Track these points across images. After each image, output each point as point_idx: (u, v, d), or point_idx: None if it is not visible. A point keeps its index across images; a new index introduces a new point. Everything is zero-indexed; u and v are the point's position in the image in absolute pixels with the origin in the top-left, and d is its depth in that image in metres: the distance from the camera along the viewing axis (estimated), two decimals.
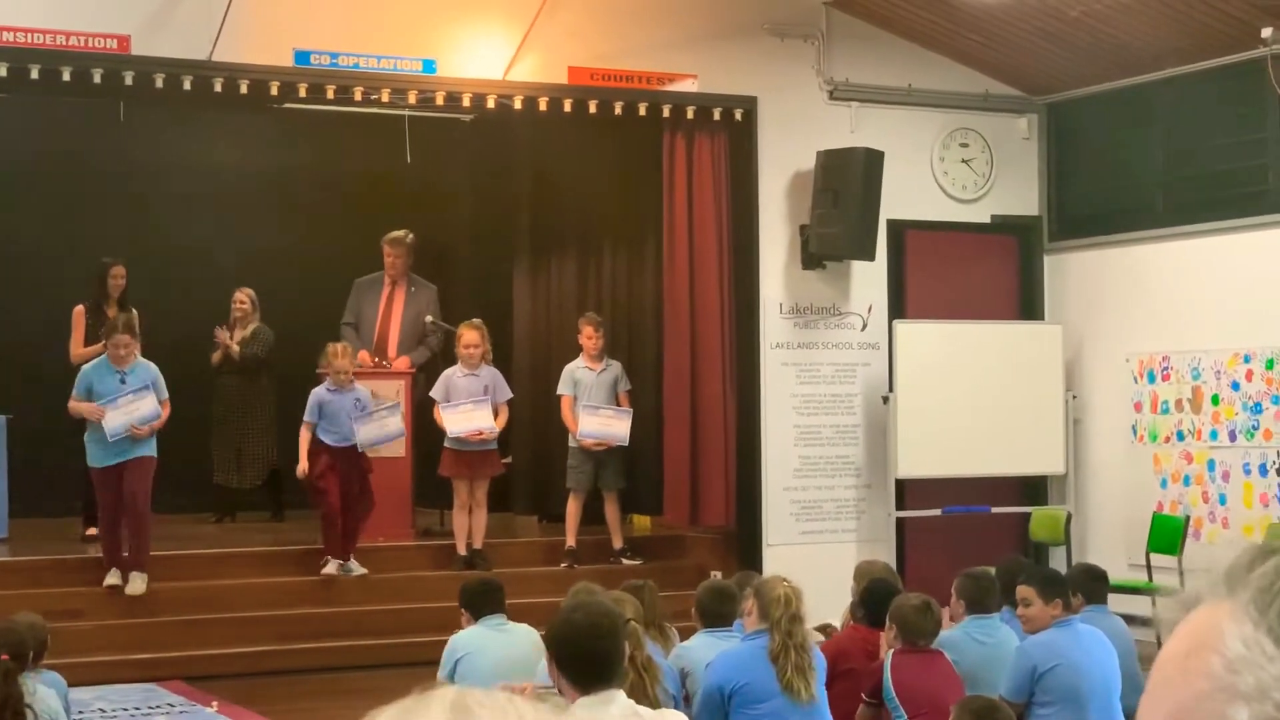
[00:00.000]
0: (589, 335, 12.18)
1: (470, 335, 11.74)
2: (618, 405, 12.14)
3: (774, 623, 6.50)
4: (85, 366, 10.75)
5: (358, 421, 11.09)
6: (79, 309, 12.11)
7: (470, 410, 11.51)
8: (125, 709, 9.21)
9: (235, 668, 10.08)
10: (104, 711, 9.07)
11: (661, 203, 12.70)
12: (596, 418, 11.93)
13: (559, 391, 12.28)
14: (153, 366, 10.79)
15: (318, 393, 11.18)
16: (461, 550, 11.68)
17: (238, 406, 13.25)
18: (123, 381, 10.57)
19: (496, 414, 11.76)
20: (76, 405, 10.62)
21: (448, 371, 11.82)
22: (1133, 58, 12.35)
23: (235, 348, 13.12)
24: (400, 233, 12.49)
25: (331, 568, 11.15)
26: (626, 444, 11.95)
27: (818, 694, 6.54)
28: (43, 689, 6.43)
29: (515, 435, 14.58)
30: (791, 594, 6.57)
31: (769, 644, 6.49)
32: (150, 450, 10.63)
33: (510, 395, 12.00)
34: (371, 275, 12.44)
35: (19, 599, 9.77)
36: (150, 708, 9.28)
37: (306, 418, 11.15)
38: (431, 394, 11.74)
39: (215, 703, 9.24)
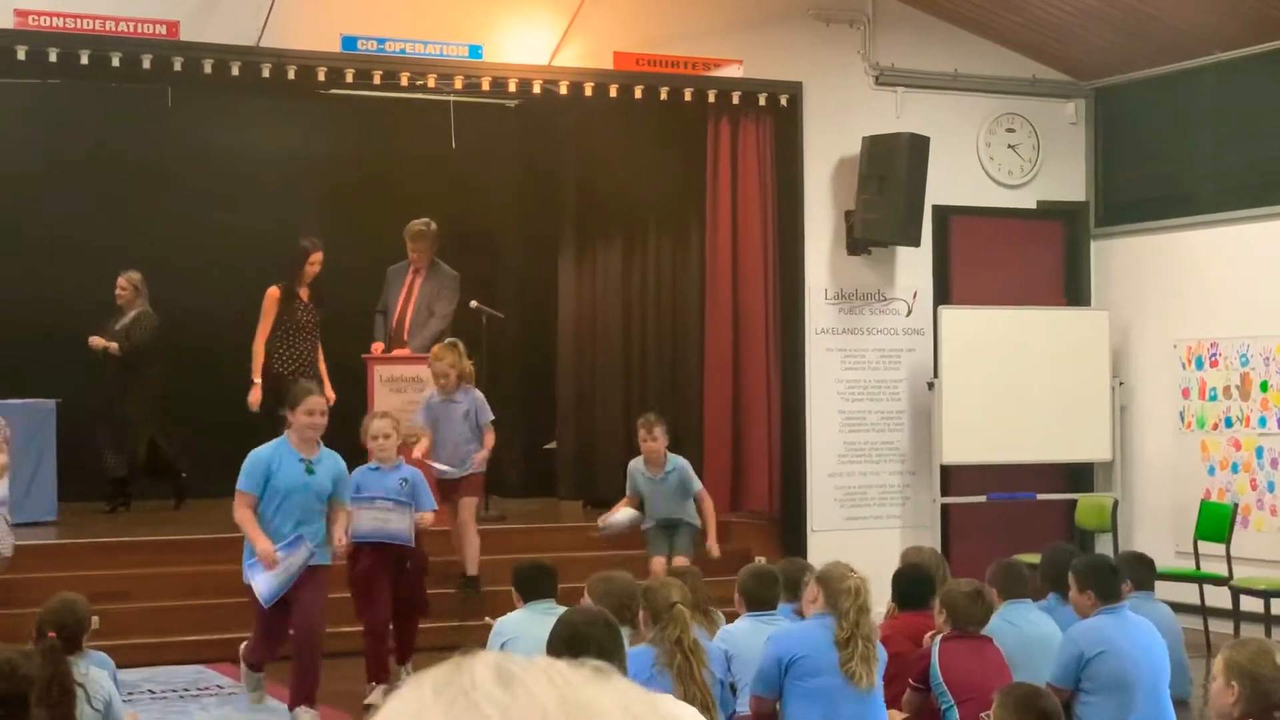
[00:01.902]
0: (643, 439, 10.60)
1: (438, 364, 10.49)
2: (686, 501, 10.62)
3: (842, 613, 6.54)
4: (261, 450, 8.57)
5: (355, 504, 8.98)
6: (272, 291, 11.55)
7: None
8: (174, 690, 9.28)
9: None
10: (152, 693, 9.14)
11: (706, 189, 12.71)
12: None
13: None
14: (339, 460, 8.76)
15: (357, 474, 9.10)
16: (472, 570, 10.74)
17: (118, 398, 12.58)
18: (310, 472, 8.49)
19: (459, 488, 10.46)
20: (250, 526, 8.42)
21: (427, 396, 10.72)
22: (1181, 42, 12.27)
23: (113, 346, 12.39)
24: (421, 224, 12.23)
25: (376, 695, 9.00)
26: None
27: (877, 683, 6.58)
28: (95, 670, 6.48)
29: (560, 420, 14.62)
30: (861, 585, 6.62)
31: (836, 632, 6.52)
32: (325, 558, 8.59)
33: (492, 417, 10.59)
34: (401, 263, 12.40)
35: (67, 581, 9.85)
36: (199, 689, 9.35)
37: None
38: (416, 420, 10.61)
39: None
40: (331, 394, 10.61)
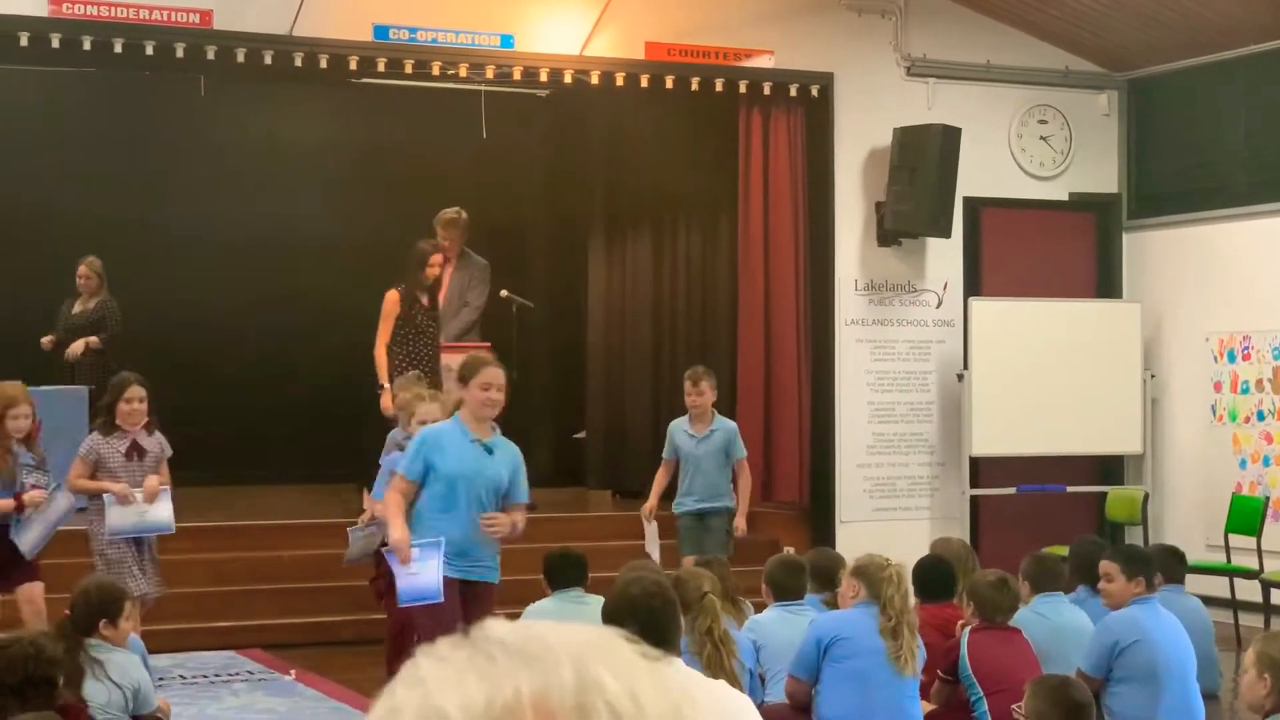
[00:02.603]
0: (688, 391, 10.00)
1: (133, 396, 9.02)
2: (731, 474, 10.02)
3: (886, 600, 6.56)
4: (430, 428, 7.56)
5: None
6: (391, 294, 10.95)
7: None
8: (204, 676, 9.33)
9: (313, 636, 10.19)
10: (183, 679, 9.19)
11: (737, 179, 12.70)
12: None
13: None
14: (516, 451, 7.53)
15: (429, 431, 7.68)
16: None
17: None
18: (489, 451, 7.31)
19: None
20: (394, 510, 7.31)
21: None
22: (1215, 33, 12.21)
23: (93, 341, 11.96)
24: (452, 213, 12.21)
25: None
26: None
27: (917, 670, 6.61)
28: (122, 655, 6.51)
29: (589, 410, 14.65)
30: (901, 573, 6.66)
31: (882, 621, 6.55)
32: (494, 575, 7.47)
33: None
34: None
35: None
36: (229, 675, 9.40)
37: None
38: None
39: (293, 671, 9.34)
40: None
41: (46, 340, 12.00)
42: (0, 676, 4.84)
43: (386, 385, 10.53)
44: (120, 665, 6.35)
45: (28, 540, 8.54)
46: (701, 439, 9.89)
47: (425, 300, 11.05)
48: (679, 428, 10.02)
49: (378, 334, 10.95)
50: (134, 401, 8.91)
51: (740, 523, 9.93)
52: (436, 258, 11.21)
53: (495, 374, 7.32)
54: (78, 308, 12.16)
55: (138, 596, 8.28)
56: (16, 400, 8.64)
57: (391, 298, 10.95)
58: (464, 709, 1.02)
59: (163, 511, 8.87)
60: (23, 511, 8.52)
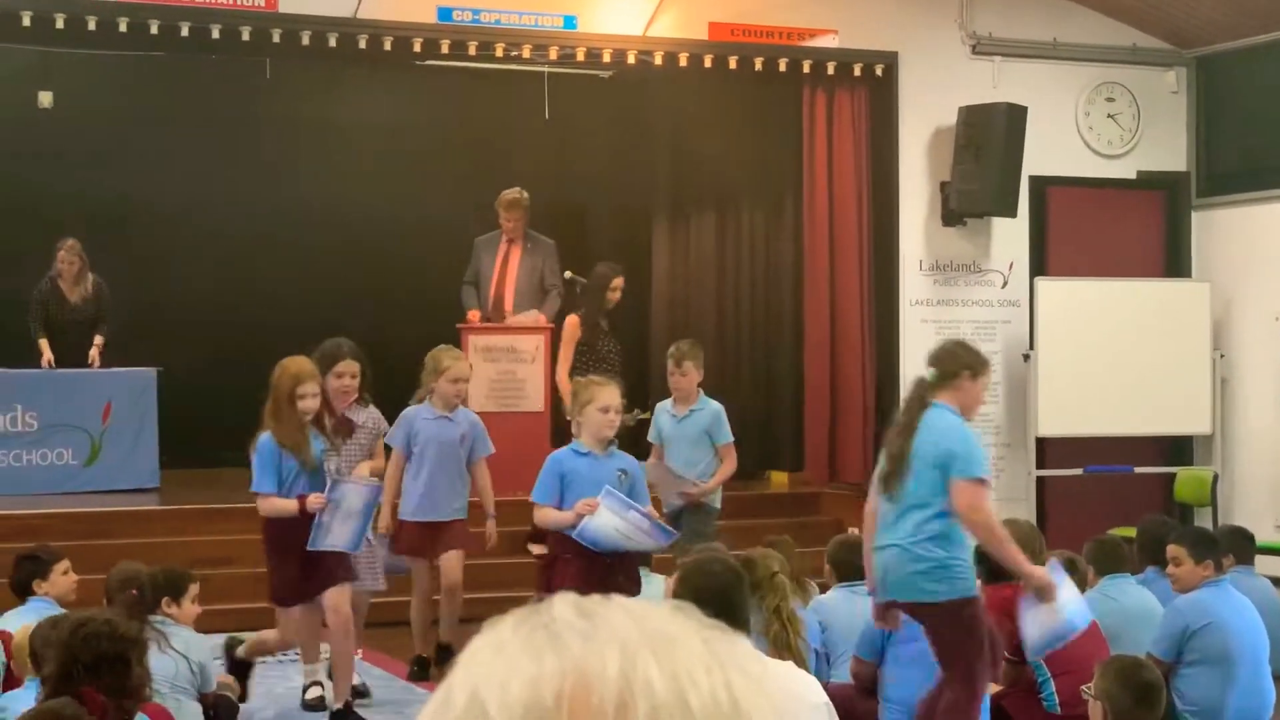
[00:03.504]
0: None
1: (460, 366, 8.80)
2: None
3: None
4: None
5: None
6: (572, 319, 10.68)
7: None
8: (272, 655, 9.38)
9: (380, 616, 10.23)
10: None
11: (801, 159, 12.67)
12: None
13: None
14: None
15: (557, 457, 7.69)
16: (420, 649, 8.84)
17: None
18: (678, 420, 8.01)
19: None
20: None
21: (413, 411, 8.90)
22: None
23: (99, 343, 11.84)
24: (514, 193, 12.05)
25: None
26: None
27: None
28: (187, 633, 6.58)
29: (652, 392, 14.64)
30: None
31: None
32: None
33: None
34: (491, 233, 12.34)
35: (171, 547, 10.04)
36: (296, 653, 9.44)
37: (535, 497, 7.59)
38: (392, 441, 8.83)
39: (360, 650, 9.38)
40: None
41: (47, 359, 11.78)
42: (75, 654, 4.90)
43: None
44: (185, 640, 6.43)
45: (338, 540, 7.41)
46: (681, 419, 9.04)
47: (606, 324, 10.74)
48: (663, 408, 9.23)
49: (559, 361, 10.67)
50: (345, 377, 8.11)
51: (701, 487, 8.84)
52: (618, 280, 10.84)
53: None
54: (73, 297, 12.02)
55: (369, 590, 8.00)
56: (303, 376, 7.48)
57: (572, 322, 10.69)
58: (503, 708, 1.03)
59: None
60: (311, 515, 7.34)
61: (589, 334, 10.63)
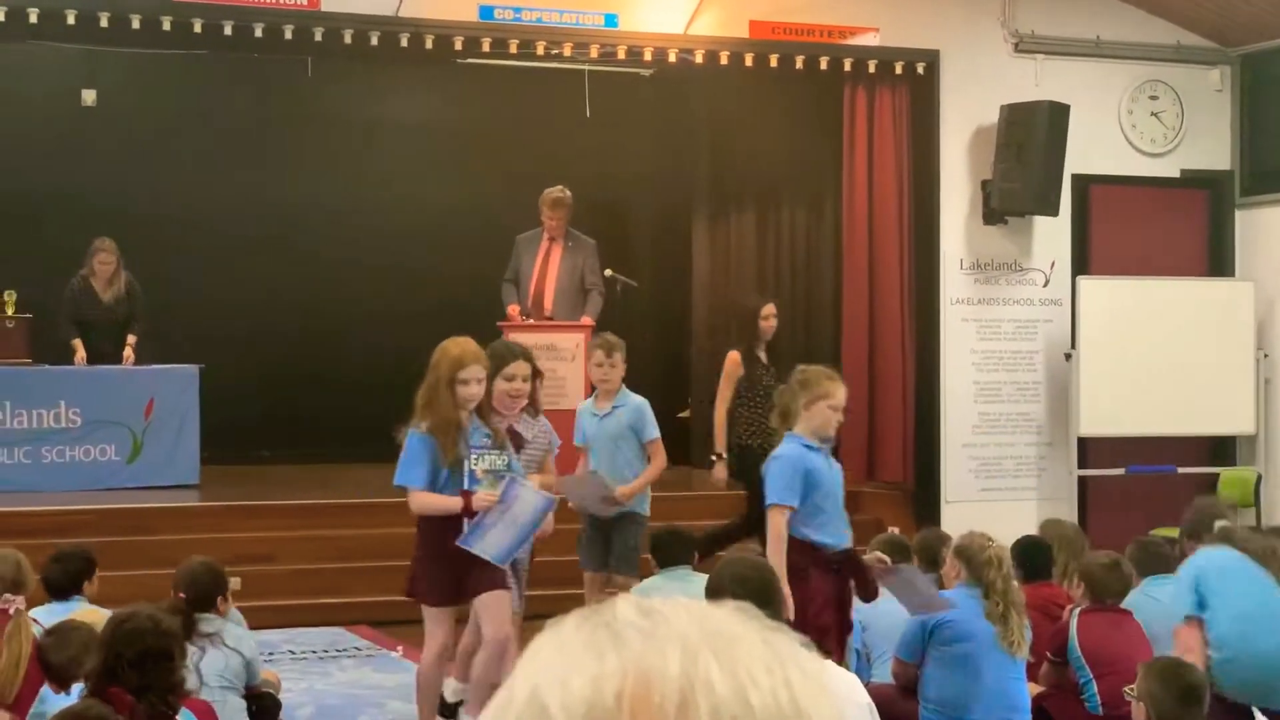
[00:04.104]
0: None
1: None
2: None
3: (989, 584, 6.52)
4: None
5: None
6: (732, 356, 10.32)
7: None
8: (313, 652, 9.42)
9: (420, 614, 10.25)
10: (293, 654, 9.29)
11: (841, 158, 12.65)
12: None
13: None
14: None
15: (795, 453, 6.82)
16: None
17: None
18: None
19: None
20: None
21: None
22: None
23: (132, 342, 11.85)
24: (558, 191, 12.01)
25: None
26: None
27: (1028, 653, 6.58)
28: (237, 629, 6.61)
29: (693, 389, 14.65)
30: (1002, 554, 6.60)
31: (988, 606, 6.50)
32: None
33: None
34: (531, 231, 12.35)
35: (211, 543, 10.06)
36: (337, 650, 9.49)
37: (780, 499, 6.76)
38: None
39: (400, 647, 9.41)
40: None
41: (80, 356, 11.85)
42: (119, 650, 4.92)
43: (722, 455, 10.00)
44: (234, 634, 6.46)
45: (491, 547, 6.59)
46: (604, 416, 8.30)
47: (765, 357, 10.32)
48: (586, 408, 8.50)
49: (718, 396, 10.25)
50: (516, 379, 7.16)
51: (624, 490, 8.06)
52: (768, 309, 10.43)
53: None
54: (106, 296, 12.07)
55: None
56: (466, 359, 6.64)
57: (733, 359, 10.21)
58: (564, 706, 1.04)
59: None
60: (473, 514, 6.60)
61: (749, 368, 10.15)
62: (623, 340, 8.50)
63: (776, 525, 6.65)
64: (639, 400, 8.33)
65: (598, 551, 8.16)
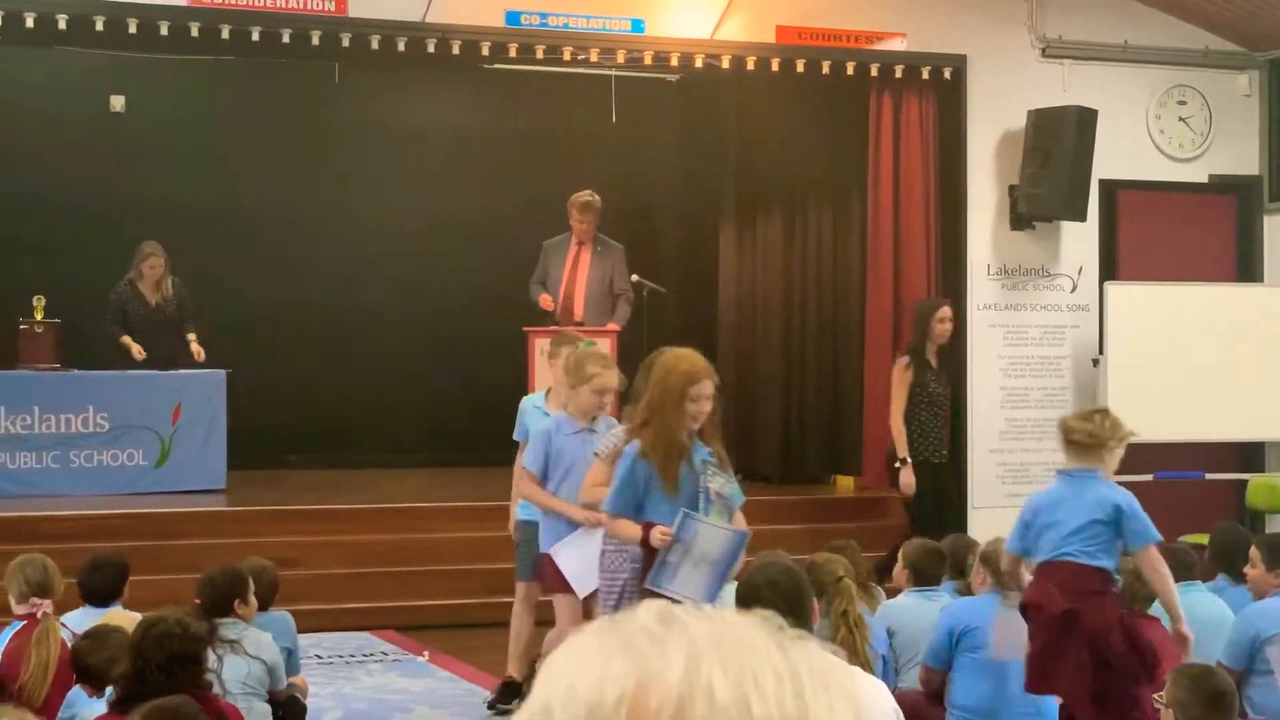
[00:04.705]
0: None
1: (609, 374, 7.33)
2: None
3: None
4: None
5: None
6: (901, 361, 10.31)
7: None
8: (340, 656, 9.44)
9: (446, 619, 10.28)
10: (319, 658, 9.30)
11: (868, 163, 12.63)
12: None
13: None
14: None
15: None
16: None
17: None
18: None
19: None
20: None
21: (552, 422, 7.55)
22: None
23: (199, 349, 11.95)
24: (587, 195, 11.98)
25: None
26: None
27: None
28: (258, 634, 6.60)
29: (720, 395, 14.62)
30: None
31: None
32: None
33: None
34: (559, 236, 12.35)
35: (238, 547, 10.08)
36: (364, 655, 9.51)
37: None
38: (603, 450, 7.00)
39: (426, 652, 9.43)
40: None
41: (138, 350, 11.92)
42: (147, 654, 4.93)
43: (906, 459, 9.97)
44: (255, 640, 6.46)
45: (688, 588, 6.01)
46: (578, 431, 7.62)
47: (936, 362, 10.20)
48: (534, 404, 8.12)
49: (892, 405, 10.21)
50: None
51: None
52: (945, 311, 10.31)
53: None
54: (153, 299, 12.14)
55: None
56: (699, 373, 6.10)
57: (902, 364, 10.18)
58: (567, 708, 1.06)
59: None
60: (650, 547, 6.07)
61: (919, 375, 10.00)
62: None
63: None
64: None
65: (529, 562, 7.80)
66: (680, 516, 5.99)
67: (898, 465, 10.11)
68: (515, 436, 8.16)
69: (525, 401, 8.34)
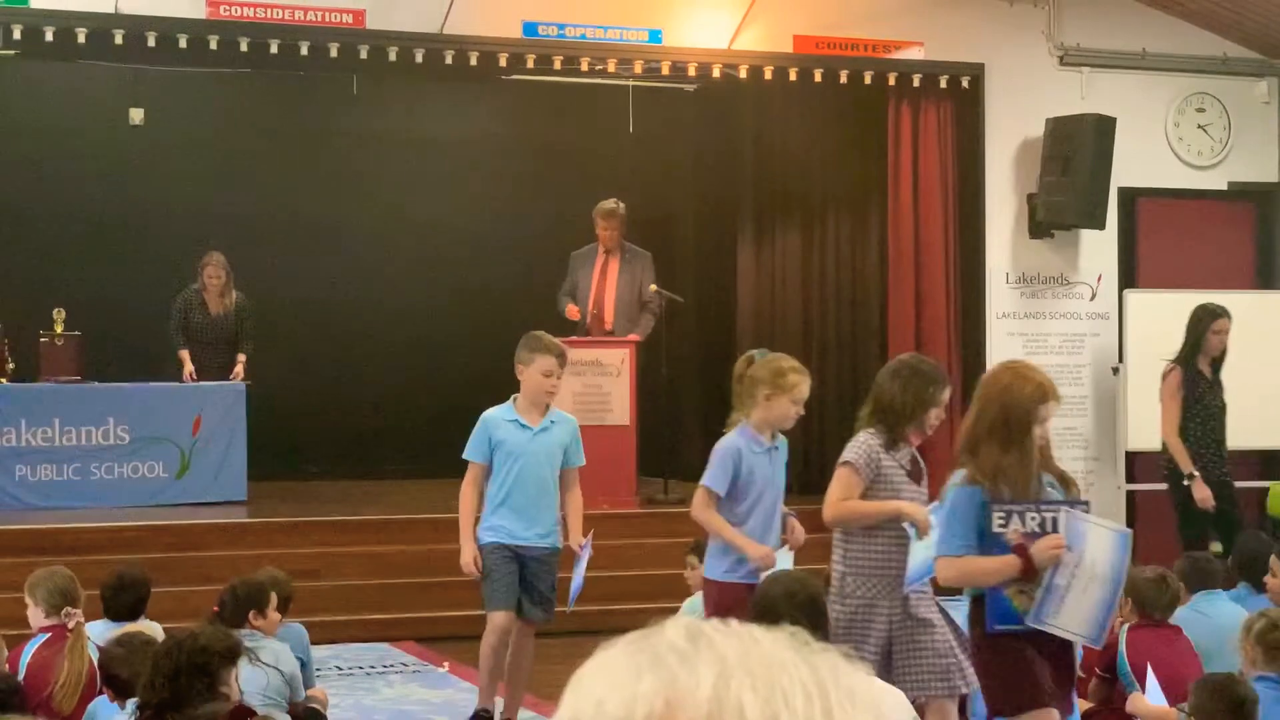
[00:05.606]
0: None
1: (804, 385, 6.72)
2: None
3: None
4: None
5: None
6: (1173, 373, 9.88)
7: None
8: (360, 668, 9.45)
9: (466, 629, 10.26)
10: (339, 670, 9.31)
11: (886, 172, 12.62)
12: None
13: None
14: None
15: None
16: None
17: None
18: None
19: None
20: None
21: (737, 443, 6.71)
22: None
23: (242, 365, 12.07)
24: (611, 204, 12.13)
25: None
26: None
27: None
28: (276, 645, 6.61)
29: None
30: None
31: None
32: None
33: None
34: (586, 247, 12.39)
35: (258, 559, 10.10)
36: (384, 666, 9.51)
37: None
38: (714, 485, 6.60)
39: (446, 663, 9.44)
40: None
41: (189, 371, 12.04)
42: (166, 666, 4.95)
43: (1196, 473, 9.66)
44: (273, 651, 6.47)
45: (1077, 621, 5.37)
46: (538, 432, 7.47)
47: (1210, 374, 9.84)
48: (502, 418, 7.52)
49: (1163, 418, 9.88)
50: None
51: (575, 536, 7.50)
52: (1222, 323, 9.77)
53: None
54: (214, 309, 12.25)
55: None
56: (1047, 392, 5.47)
57: (1173, 376, 9.81)
58: None
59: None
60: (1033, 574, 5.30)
61: (1191, 386, 9.70)
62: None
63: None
64: (571, 418, 7.68)
65: (507, 587, 7.45)
66: (1063, 516, 5.28)
67: (1186, 482, 9.71)
68: (468, 455, 7.48)
69: (492, 414, 7.50)
